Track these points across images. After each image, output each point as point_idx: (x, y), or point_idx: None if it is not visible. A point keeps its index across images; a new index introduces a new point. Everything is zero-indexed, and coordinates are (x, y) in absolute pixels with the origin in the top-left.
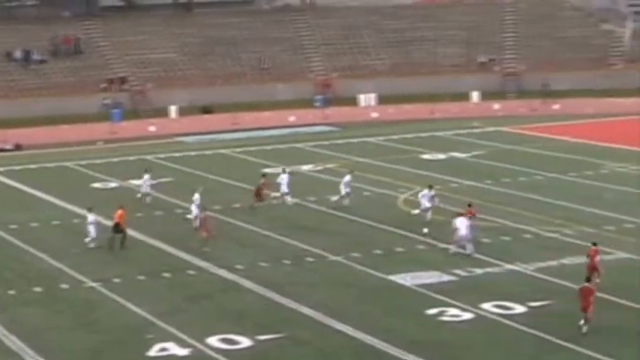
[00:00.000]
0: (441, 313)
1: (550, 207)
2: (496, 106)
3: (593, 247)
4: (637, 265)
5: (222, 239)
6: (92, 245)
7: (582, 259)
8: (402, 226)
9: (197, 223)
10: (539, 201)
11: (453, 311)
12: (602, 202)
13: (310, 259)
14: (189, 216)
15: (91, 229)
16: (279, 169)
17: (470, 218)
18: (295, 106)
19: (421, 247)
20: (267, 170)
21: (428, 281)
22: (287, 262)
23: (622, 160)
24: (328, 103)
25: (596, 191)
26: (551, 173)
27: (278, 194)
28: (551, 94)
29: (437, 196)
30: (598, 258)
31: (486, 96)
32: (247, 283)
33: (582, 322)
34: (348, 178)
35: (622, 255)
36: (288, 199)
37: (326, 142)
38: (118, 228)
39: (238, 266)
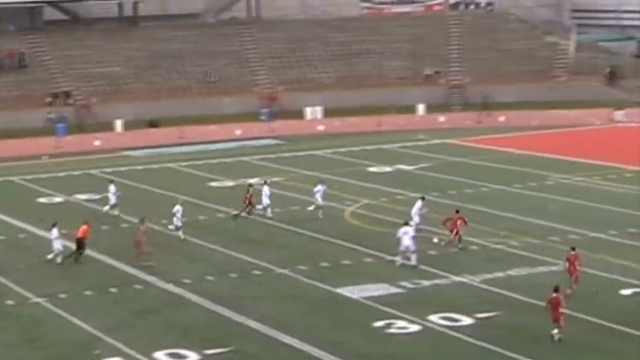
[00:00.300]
0: (388, 326)
1: (496, 219)
2: (441, 118)
3: (573, 252)
4: (582, 276)
5: (169, 253)
6: (59, 260)
7: (528, 270)
8: (349, 238)
9: (181, 234)
10: (485, 213)
11: (400, 323)
12: (548, 213)
13: (257, 273)
14: (171, 226)
15: (57, 244)
16: (262, 181)
17: (465, 223)
18: (241, 119)
19: (368, 259)
20: (214, 184)
21: (375, 294)
22: (234, 275)
23: (566, 172)
24: (274, 116)
25: (541, 202)
26: (497, 185)
27: (260, 206)
28: (491, 107)
29: (425, 207)
30: (578, 262)
31: (432, 108)
32: (194, 297)
33: (555, 331)
34: (319, 187)
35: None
36: (269, 210)
37: (272, 156)
38: (80, 243)
39: (185, 280)
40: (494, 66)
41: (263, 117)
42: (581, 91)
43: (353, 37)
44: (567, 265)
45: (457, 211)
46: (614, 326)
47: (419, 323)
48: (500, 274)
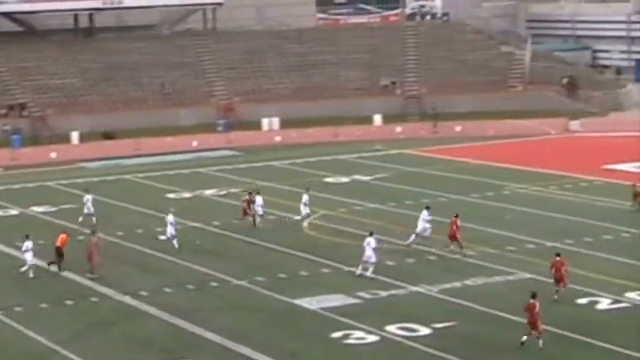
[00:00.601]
0: (345, 336)
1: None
2: (398, 128)
3: (558, 259)
4: (539, 285)
5: (125, 265)
6: (31, 275)
7: (485, 280)
8: (307, 249)
9: (175, 243)
10: (442, 223)
11: (357, 334)
12: (504, 222)
13: (214, 284)
14: (162, 237)
15: (28, 257)
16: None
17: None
18: (198, 130)
19: (326, 270)
20: (171, 195)
21: (333, 304)
22: (191, 287)
23: (523, 181)
24: (231, 127)
25: (498, 212)
26: (454, 195)
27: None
28: (440, 117)
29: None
30: (564, 268)
31: (389, 119)
32: (151, 309)
33: (534, 337)
34: (305, 197)
35: (524, 275)
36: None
37: (229, 167)
38: (59, 251)
39: (142, 292)
40: (450, 76)
41: (220, 128)
42: (536, 101)
43: (309, 48)
44: (552, 271)
45: (456, 216)
46: (572, 335)
47: (376, 334)
48: (457, 284)
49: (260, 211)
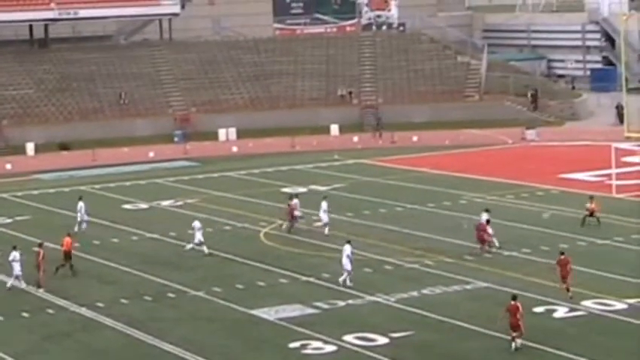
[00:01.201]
0: (303, 347)
1: (410, 238)
2: (355, 138)
3: (563, 257)
4: (496, 294)
5: (82, 276)
6: (20, 284)
7: (443, 289)
8: (264, 260)
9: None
10: (399, 232)
11: (315, 344)
12: (461, 232)
13: (171, 295)
14: (189, 246)
15: (16, 267)
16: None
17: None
18: (155, 141)
19: (283, 280)
20: (127, 206)
21: (290, 314)
22: (148, 298)
23: (480, 191)
24: (188, 138)
25: (455, 221)
26: (411, 204)
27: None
28: (384, 127)
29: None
30: (570, 266)
31: (346, 129)
32: (108, 321)
33: (516, 340)
34: (324, 204)
35: (481, 284)
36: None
37: (186, 177)
38: (67, 254)
39: (99, 304)
40: (406, 86)
41: (176, 139)
42: (492, 111)
43: (266, 58)
44: (559, 269)
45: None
46: (530, 344)
47: (334, 343)
48: (414, 294)
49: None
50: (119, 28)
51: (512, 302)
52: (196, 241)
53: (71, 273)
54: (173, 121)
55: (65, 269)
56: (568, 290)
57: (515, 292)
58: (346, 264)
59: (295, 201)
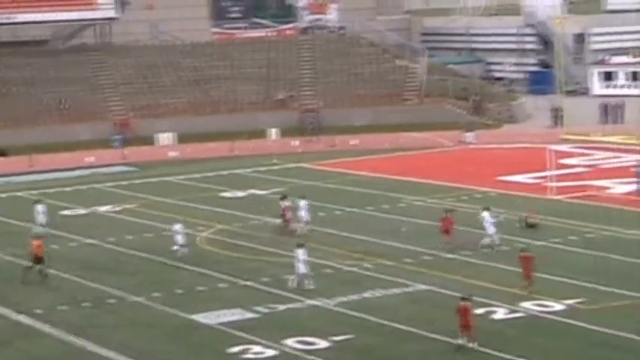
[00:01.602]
0: (244, 351)
1: (349, 241)
2: (295, 142)
3: (524, 254)
4: (435, 296)
5: (19, 283)
6: None
7: (382, 292)
8: (203, 264)
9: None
10: (338, 235)
11: (256, 349)
12: (401, 235)
13: (111, 301)
14: (175, 247)
15: None
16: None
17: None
18: (94, 146)
19: (223, 285)
20: (66, 212)
21: (230, 319)
22: (87, 304)
23: (419, 194)
24: (127, 143)
25: (395, 224)
26: (350, 208)
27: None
28: (320, 132)
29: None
30: (533, 262)
31: (285, 133)
32: (47, 328)
33: (465, 340)
34: (303, 203)
35: (421, 287)
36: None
37: (125, 183)
38: (37, 258)
39: (37, 310)
40: (346, 89)
41: (115, 144)
42: (431, 114)
43: (205, 62)
44: (522, 264)
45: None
46: (469, 345)
47: (275, 348)
48: (354, 297)
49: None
50: (54, 32)
51: (462, 303)
52: (180, 243)
53: (40, 278)
54: (112, 126)
55: (34, 273)
56: (528, 286)
57: (456, 294)
58: (300, 267)
59: (287, 203)
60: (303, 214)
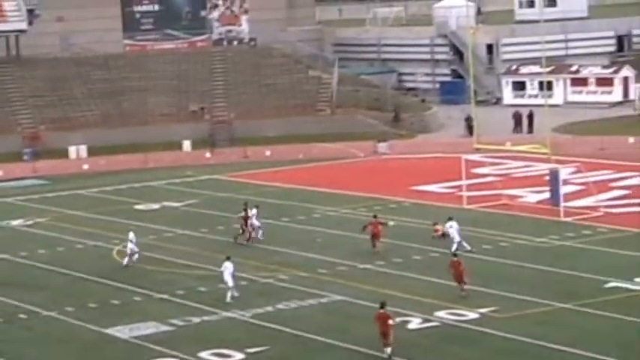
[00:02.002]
0: None
1: (264, 253)
2: (208, 154)
3: (455, 259)
4: (350, 307)
5: None
6: None
7: (298, 303)
8: (117, 277)
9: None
10: (253, 247)
11: None
12: (316, 245)
13: (23, 316)
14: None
15: None
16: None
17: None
18: (3, 160)
19: (137, 298)
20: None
21: (145, 332)
22: None
23: (333, 204)
24: (37, 156)
25: (310, 235)
26: (265, 219)
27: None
28: (218, 145)
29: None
30: (462, 267)
31: (198, 144)
32: None
33: (389, 350)
34: (254, 211)
35: (336, 297)
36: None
37: (36, 196)
38: None
39: None
40: (259, 101)
41: (26, 157)
42: (344, 124)
43: (116, 74)
44: (452, 271)
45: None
46: (384, 355)
47: None
48: (269, 308)
49: (257, 223)
50: None
51: (381, 310)
52: (129, 251)
53: None
54: (22, 139)
55: None
56: (462, 290)
57: (371, 304)
58: (229, 281)
59: (254, 211)
60: (254, 221)
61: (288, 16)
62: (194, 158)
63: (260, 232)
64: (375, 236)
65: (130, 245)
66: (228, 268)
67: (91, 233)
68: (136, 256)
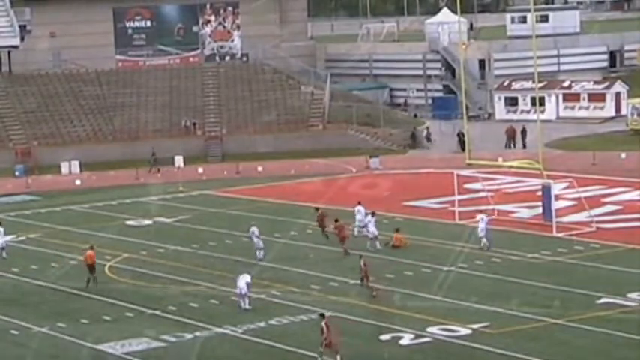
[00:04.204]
0: None
1: (257, 268)
2: (200, 170)
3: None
4: (342, 322)
5: None
6: None
7: (289, 319)
8: (109, 293)
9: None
10: (246, 263)
11: None
12: (308, 261)
13: (14, 332)
14: None
15: None
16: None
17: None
18: None
19: (129, 314)
20: None
21: (136, 348)
22: None
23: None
24: (29, 172)
25: (302, 251)
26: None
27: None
28: (160, 163)
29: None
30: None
31: (190, 160)
32: None
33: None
34: (255, 229)
35: (328, 313)
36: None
37: (28, 212)
38: (91, 268)
39: None
40: (250, 116)
41: (18, 173)
42: (336, 140)
43: (108, 90)
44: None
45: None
46: None
47: None
48: (261, 324)
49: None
50: None
51: (325, 320)
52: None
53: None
54: (14, 155)
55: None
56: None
57: (363, 320)
58: (242, 288)
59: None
60: (254, 239)
61: (280, 32)
62: (186, 174)
63: (262, 252)
64: (342, 239)
65: (255, 240)
66: (243, 278)
67: (82, 249)
68: (262, 252)
